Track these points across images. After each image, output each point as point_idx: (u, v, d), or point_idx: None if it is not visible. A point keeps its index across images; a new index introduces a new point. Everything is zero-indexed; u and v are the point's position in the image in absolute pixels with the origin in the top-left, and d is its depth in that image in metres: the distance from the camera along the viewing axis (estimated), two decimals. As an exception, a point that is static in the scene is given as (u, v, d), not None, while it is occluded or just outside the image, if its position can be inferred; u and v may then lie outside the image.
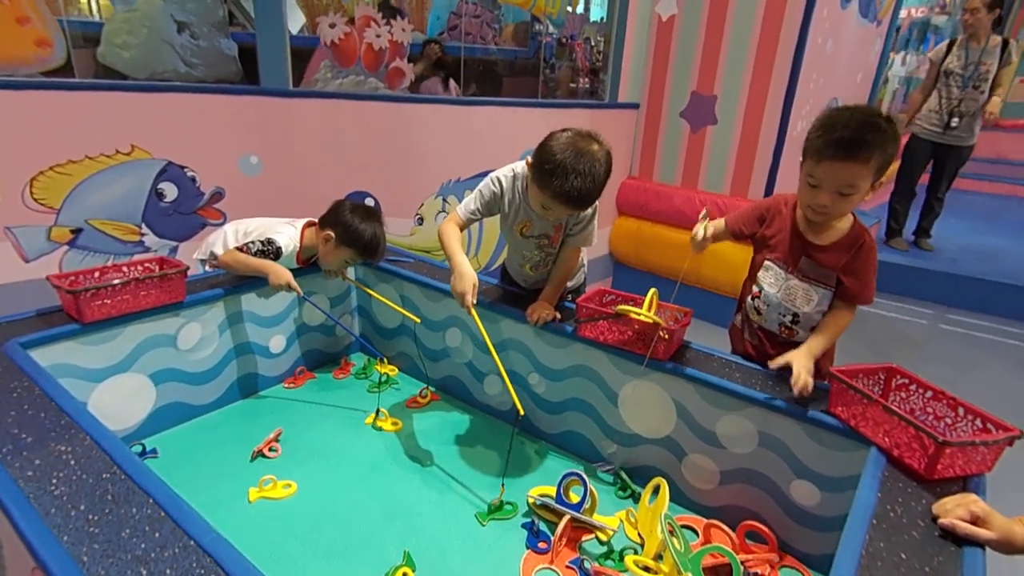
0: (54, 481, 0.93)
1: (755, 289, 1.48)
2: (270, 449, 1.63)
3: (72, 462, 0.98)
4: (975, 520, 0.92)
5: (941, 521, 0.95)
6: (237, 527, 1.36)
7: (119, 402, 1.57)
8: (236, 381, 1.86)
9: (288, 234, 1.84)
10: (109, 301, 1.49)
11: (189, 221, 2.37)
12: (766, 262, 1.45)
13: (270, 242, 1.79)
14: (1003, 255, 4.35)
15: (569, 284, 1.84)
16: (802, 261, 1.38)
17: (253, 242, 1.78)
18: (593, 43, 4.02)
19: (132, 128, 2.15)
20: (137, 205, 2.24)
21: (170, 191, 2.29)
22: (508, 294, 1.82)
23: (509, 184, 1.61)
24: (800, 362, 1.25)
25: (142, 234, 2.27)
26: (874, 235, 4.50)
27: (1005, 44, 3.73)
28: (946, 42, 3.97)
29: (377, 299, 1.94)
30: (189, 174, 2.32)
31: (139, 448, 1.58)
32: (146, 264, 1.65)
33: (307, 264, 1.95)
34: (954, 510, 0.94)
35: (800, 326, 1.42)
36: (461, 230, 1.62)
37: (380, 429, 1.78)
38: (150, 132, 2.19)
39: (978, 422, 1.12)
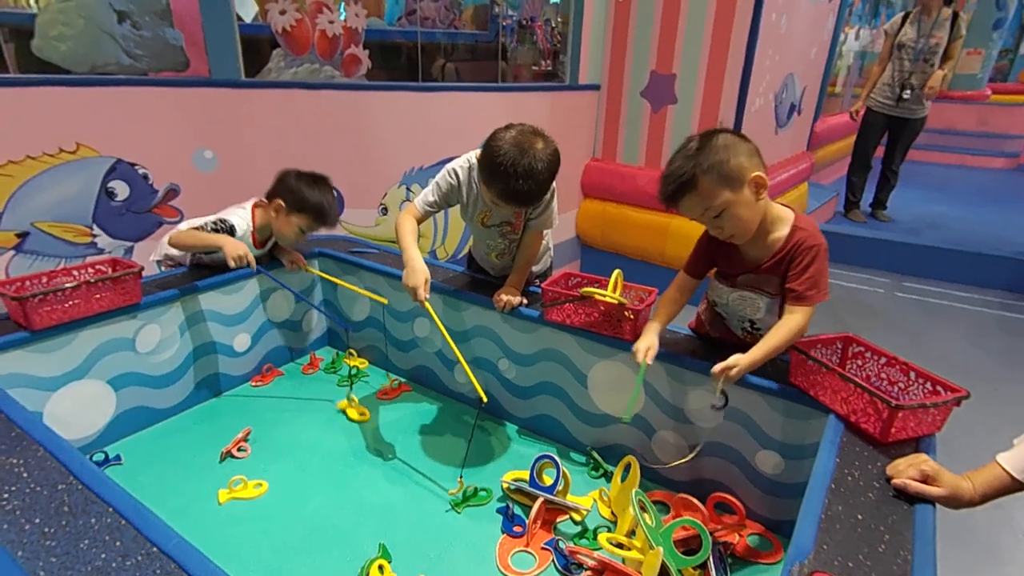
0: (6, 495, 0.90)
1: (711, 301, 1.49)
2: (239, 449, 1.61)
3: (25, 475, 0.95)
4: (925, 479, 0.97)
5: (894, 482, 0.99)
6: (208, 530, 1.34)
7: (77, 410, 1.52)
8: (201, 382, 1.82)
9: (239, 214, 1.78)
10: (59, 306, 1.43)
11: (144, 220, 2.29)
12: (711, 280, 1.46)
13: (222, 221, 1.74)
14: (954, 223, 4.52)
15: (535, 269, 1.84)
16: (741, 277, 1.36)
17: (205, 224, 1.73)
18: (553, 24, 3.99)
19: (76, 125, 2.05)
20: (87, 205, 2.15)
21: (121, 190, 2.21)
22: (475, 281, 1.82)
23: (465, 176, 1.60)
24: (737, 359, 1.22)
25: (94, 235, 2.18)
26: (833, 208, 4.66)
27: (955, 17, 3.83)
28: (900, 15, 4.04)
29: (343, 286, 1.91)
30: (141, 171, 2.23)
31: (101, 456, 1.54)
32: (98, 266, 1.59)
33: (265, 246, 1.90)
34: (906, 470, 0.99)
35: (761, 331, 1.40)
36: (419, 222, 1.61)
37: (349, 419, 1.77)
38: (96, 129, 2.09)
39: (928, 385, 1.17)
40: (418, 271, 1.47)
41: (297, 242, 1.85)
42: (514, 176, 1.36)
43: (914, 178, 5.75)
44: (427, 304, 1.49)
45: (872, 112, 4.17)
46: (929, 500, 0.95)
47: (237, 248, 1.64)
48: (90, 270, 1.57)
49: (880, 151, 4.34)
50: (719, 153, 1.17)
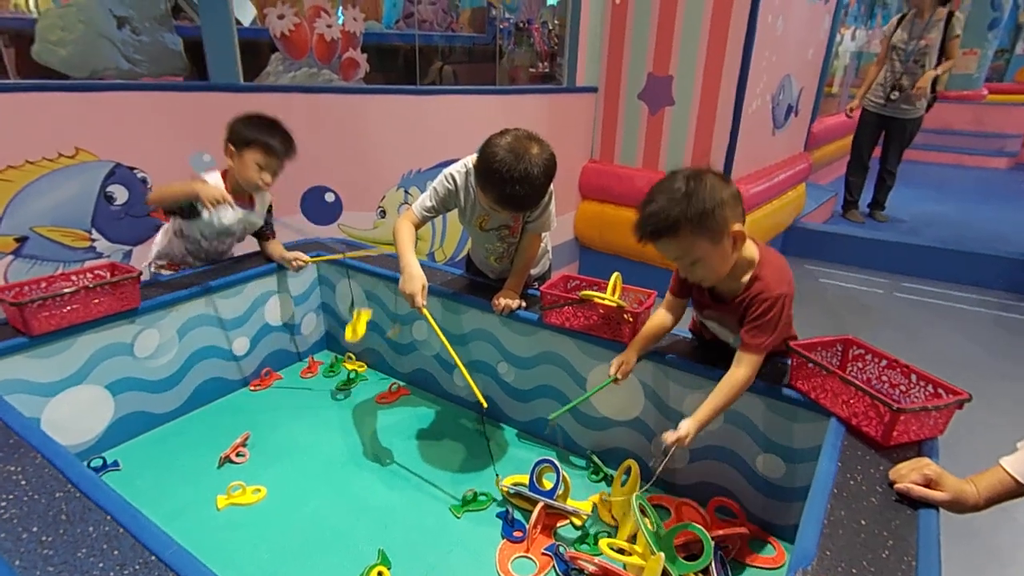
0: (3, 504, 0.89)
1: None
2: (237, 454, 1.60)
3: (23, 482, 0.94)
4: (928, 483, 0.96)
5: (897, 486, 0.98)
6: (206, 536, 1.33)
7: (75, 416, 1.52)
8: (199, 386, 1.81)
9: (211, 177, 1.76)
10: (58, 312, 1.42)
11: (142, 224, 2.29)
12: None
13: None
14: (952, 223, 4.52)
15: (534, 272, 1.84)
16: (707, 311, 1.35)
17: None
18: (551, 27, 3.99)
19: (75, 130, 2.05)
20: (85, 210, 2.14)
21: (120, 194, 2.20)
22: (473, 284, 1.81)
23: (463, 180, 1.60)
24: (687, 427, 1.21)
25: (92, 240, 2.18)
26: (831, 208, 4.66)
27: (950, 17, 3.84)
28: (896, 17, 4.07)
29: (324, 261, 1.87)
30: (139, 175, 2.23)
31: (99, 462, 1.53)
32: (96, 271, 1.59)
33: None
34: (909, 475, 0.98)
35: None
36: (417, 227, 1.61)
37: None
38: (95, 133, 2.09)
39: (930, 388, 1.16)
40: (415, 277, 1.47)
41: (263, 182, 1.76)
42: (510, 181, 1.36)
43: (912, 178, 5.76)
44: (425, 311, 1.49)
45: (867, 112, 4.19)
46: (933, 505, 0.94)
47: (212, 192, 1.59)
48: (89, 275, 1.56)
49: (878, 152, 4.35)
50: (706, 202, 1.12)
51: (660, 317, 1.40)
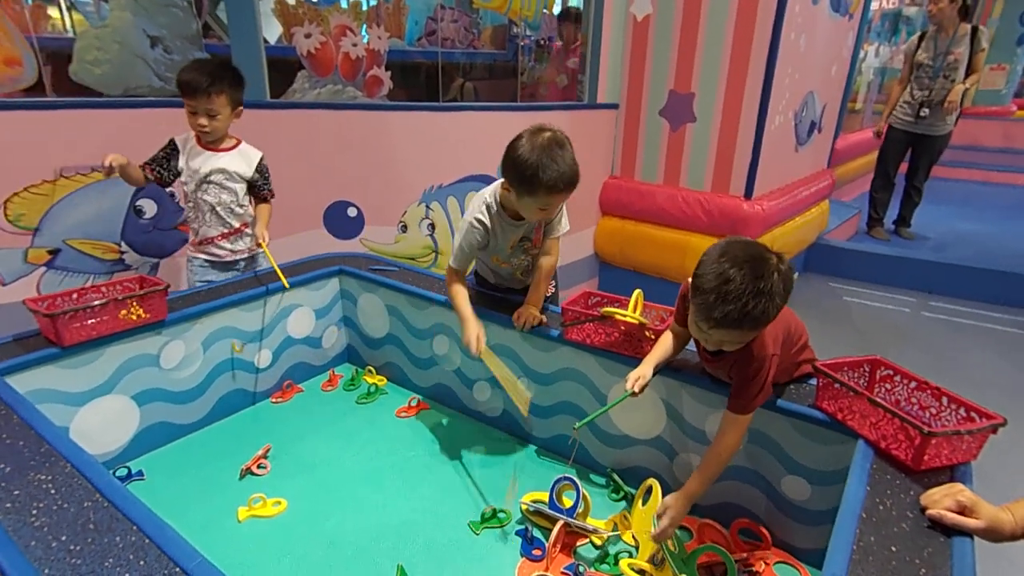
0: (34, 512, 0.91)
1: None
2: (259, 466, 1.61)
3: (53, 491, 0.96)
4: (962, 510, 0.93)
5: (929, 512, 0.95)
6: (227, 548, 1.34)
7: (102, 425, 1.55)
8: (222, 398, 1.84)
9: (180, 137, 1.89)
10: (89, 323, 1.46)
11: (169, 237, 2.34)
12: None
13: (169, 142, 1.88)
14: (981, 241, 4.42)
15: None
16: (706, 363, 1.34)
17: (154, 154, 1.88)
18: (572, 44, 4.02)
19: (107, 145, 2.11)
20: (115, 223, 2.20)
21: (149, 208, 2.26)
22: (493, 299, 1.82)
23: (487, 217, 1.61)
24: (674, 509, 1.21)
25: (122, 252, 2.24)
26: (855, 225, 4.59)
27: (975, 31, 3.80)
28: (917, 34, 4.03)
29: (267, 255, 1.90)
30: (168, 190, 2.28)
31: (124, 471, 1.55)
32: (125, 283, 1.63)
33: (220, 149, 1.92)
34: (942, 500, 0.95)
35: None
36: (463, 276, 1.69)
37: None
38: (126, 148, 2.13)
39: (962, 411, 1.13)
40: (471, 326, 1.56)
41: (204, 128, 1.81)
42: (552, 164, 1.41)
43: (939, 195, 5.65)
44: (484, 355, 1.55)
45: (893, 129, 4.14)
46: (967, 533, 0.91)
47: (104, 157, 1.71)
48: (118, 287, 1.60)
49: (904, 168, 4.29)
50: (779, 299, 1.08)
51: (668, 340, 1.39)
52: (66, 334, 1.42)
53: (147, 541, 0.86)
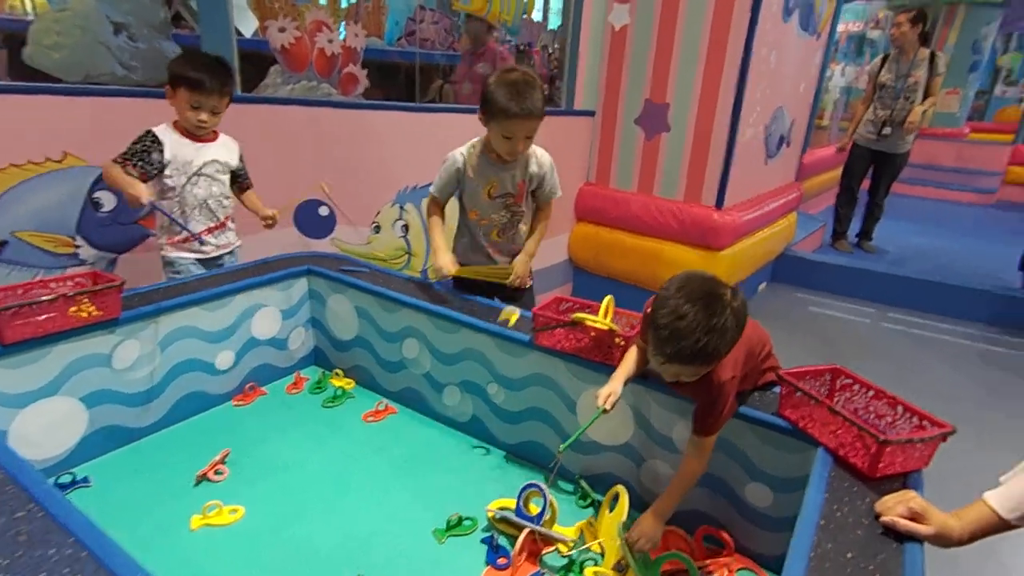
0: (-38, 522, 0.85)
1: None
2: (216, 472, 1.56)
3: (-17, 499, 0.90)
4: (914, 516, 0.95)
5: (883, 519, 0.98)
6: (177, 559, 1.28)
7: (46, 429, 1.47)
8: (179, 400, 1.77)
9: (160, 129, 1.80)
10: (35, 320, 1.39)
11: (129, 231, 2.25)
12: None
13: (146, 133, 1.78)
14: (937, 256, 4.61)
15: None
16: (671, 386, 1.33)
17: (129, 148, 1.75)
18: (551, 51, 4.04)
19: (64, 134, 2.02)
20: (71, 215, 2.10)
21: (108, 200, 2.17)
22: (464, 304, 1.80)
23: (467, 152, 1.78)
24: (650, 528, 1.25)
25: (76, 246, 2.14)
26: (820, 238, 4.72)
27: (932, 57, 3.97)
28: (880, 56, 4.21)
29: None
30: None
31: (68, 478, 1.47)
32: (77, 279, 1.55)
33: (206, 140, 1.88)
34: (894, 507, 0.98)
35: None
36: (440, 205, 1.86)
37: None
38: (85, 138, 2.06)
39: (915, 419, 1.16)
40: (443, 253, 1.78)
41: (199, 121, 1.78)
42: (515, 85, 1.59)
43: (898, 210, 5.85)
44: (457, 272, 1.76)
45: (857, 146, 4.29)
46: (918, 539, 0.94)
47: (137, 197, 1.65)
48: (68, 283, 1.53)
49: (867, 184, 4.44)
50: (730, 335, 1.10)
51: (634, 354, 1.39)
52: (8, 331, 1.35)
53: (84, 554, 0.81)
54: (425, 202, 2.64)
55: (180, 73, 1.74)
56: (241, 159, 1.99)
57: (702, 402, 1.23)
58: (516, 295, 1.90)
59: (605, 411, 1.31)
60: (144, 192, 1.67)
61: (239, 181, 2.00)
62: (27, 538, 0.83)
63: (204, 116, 1.78)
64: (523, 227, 1.90)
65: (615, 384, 1.34)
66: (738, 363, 1.22)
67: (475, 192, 1.80)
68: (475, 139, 1.79)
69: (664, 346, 1.11)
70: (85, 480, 1.49)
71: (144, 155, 1.77)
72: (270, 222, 1.99)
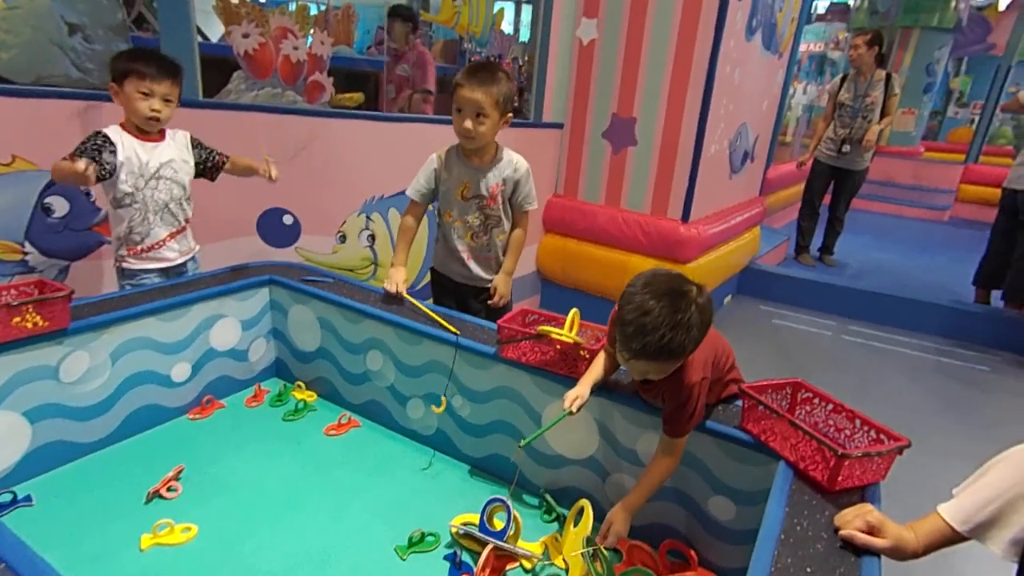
0: None
1: None
2: (168, 489, 1.49)
3: (-92, 522, 0.84)
4: (871, 530, 0.97)
5: (841, 532, 0.99)
6: (124, 581, 1.22)
7: (-15, 444, 1.39)
8: (131, 414, 1.70)
9: (111, 130, 1.72)
10: (-26, 330, 1.32)
11: (82, 238, 2.16)
12: None
13: (96, 134, 1.69)
14: (894, 270, 4.77)
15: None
16: (640, 392, 1.36)
17: (78, 147, 1.66)
18: (521, 63, 4.07)
19: (12, 136, 1.94)
20: (19, 221, 2.01)
21: (59, 206, 2.08)
22: (429, 314, 1.78)
23: (443, 153, 1.85)
24: (619, 520, 1.27)
25: (25, 253, 2.05)
26: (784, 251, 4.84)
27: (888, 77, 4.13)
28: (839, 76, 4.37)
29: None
30: (83, 188, 2.12)
31: (8, 496, 1.40)
32: (22, 287, 1.48)
33: (160, 136, 1.80)
34: (852, 521, 0.99)
35: None
36: (417, 209, 1.90)
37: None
38: (35, 141, 1.98)
39: (872, 433, 1.19)
40: (398, 270, 1.86)
41: (152, 111, 1.71)
42: (474, 65, 1.73)
43: (859, 226, 6.05)
44: (405, 294, 1.81)
45: (818, 162, 4.44)
46: (875, 552, 0.95)
47: (78, 166, 1.50)
48: (12, 292, 1.46)
49: (828, 199, 4.58)
50: (696, 331, 1.11)
51: (602, 361, 1.40)
52: (-54, 342, 1.28)
53: (17, 578, 0.76)
54: (391, 212, 2.63)
55: (125, 65, 1.67)
56: (197, 144, 1.89)
57: (673, 403, 1.23)
58: (497, 314, 1.88)
59: (570, 414, 1.31)
60: (83, 163, 1.52)
61: (212, 162, 1.90)
62: (-51, 566, 0.78)
63: (156, 104, 1.69)
64: (499, 236, 1.91)
65: (582, 388, 1.34)
66: (707, 365, 1.24)
67: (449, 192, 1.84)
68: (452, 144, 1.84)
69: (630, 342, 1.11)
70: (27, 499, 1.41)
71: (95, 152, 1.68)
72: (275, 175, 1.87)
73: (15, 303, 1.37)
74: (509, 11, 4.21)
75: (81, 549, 1.28)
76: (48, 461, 1.52)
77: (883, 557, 0.96)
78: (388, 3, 3.69)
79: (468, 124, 1.70)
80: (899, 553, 0.95)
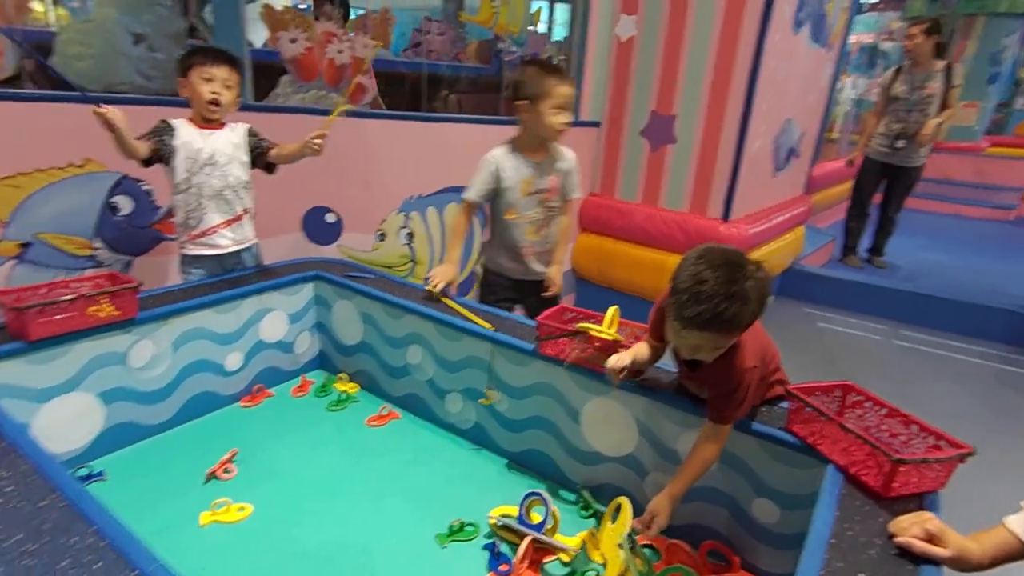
0: (-14, 511, 0.88)
1: None
2: (224, 470, 1.58)
3: (9, 488, 0.94)
4: (930, 538, 0.93)
5: (897, 540, 0.95)
6: (187, 553, 1.31)
7: (65, 423, 1.51)
8: (190, 400, 1.80)
9: (177, 123, 1.83)
10: (56, 318, 1.42)
11: (144, 235, 2.30)
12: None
13: (161, 120, 1.82)
14: (951, 272, 4.52)
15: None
16: (684, 379, 1.36)
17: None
18: (556, 62, 4.07)
19: (86, 140, 2.08)
20: (90, 219, 2.16)
21: (125, 204, 2.22)
22: (470, 311, 1.81)
23: (500, 154, 1.86)
24: (663, 511, 1.25)
25: (94, 248, 2.19)
26: (829, 252, 4.68)
27: (949, 68, 3.92)
28: (893, 68, 4.15)
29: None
30: (145, 188, 2.25)
31: (85, 471, 1.51)
32: (96, 279, 1.60)
33: (219, 126, 1.89)
34: (910, 528, 0.95)
35: None
36: (473, 211, 1.92)
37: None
38: (105, 144, 2.11)
39: (931, 439, 1.14)
40: (448, 268, 1.90)
41: (218, 96, 1.80)
42: (546, 64, 1.82)
43: (911, 226, 5.79)
44: (443, 297, 1.84)
45: (869, 160, 4.23)
46: (935, 561, 0.91)
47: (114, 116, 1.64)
48: (88, 283, 1.57)
49: (878, 198, 4.39)
50: (753, 306, 1.08)
51: (645, 346, 1.38)
52: (32, 329, 1.39)
53: (104, 543, 0.84)
54: (430, 211, 2.67)
55: (189, 58, 1.80)
56: (252, 133, 1.96)
57: (721, 390, 1.21)
58: (549, 303, 1.88)
59: (613, 372, 1.31)
60: (105, 107, 1.64)
61: (260, 148, 1.95)
62: (51, 526, 0.86)
63: (217, 87, 1.78)
64: (555, 226, 1.99)
65: (626, 358, 1.33)
66: (758, 355, 1.21)
67: (511, 190, 1.87)
68: (501, 145, 1.87)
69: (683, 310, 1.08)
70: (100, 474, 1.52)
71: (157, 132, 1.80)
72: (318, 142, 1.86)
73: (91, 293, 1.48)
74: (543, 10, 4.22)
75: (148, 522, 1.36)
76: (119, 440, 1.63)
77: (944, 568, 0.92)
78: (422, 7, 3.75)
79: (569, 118, 1.80)
80: (963, 564, 0.91)
